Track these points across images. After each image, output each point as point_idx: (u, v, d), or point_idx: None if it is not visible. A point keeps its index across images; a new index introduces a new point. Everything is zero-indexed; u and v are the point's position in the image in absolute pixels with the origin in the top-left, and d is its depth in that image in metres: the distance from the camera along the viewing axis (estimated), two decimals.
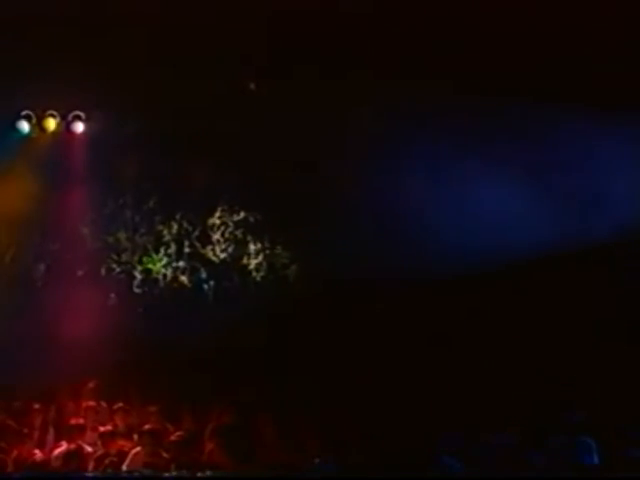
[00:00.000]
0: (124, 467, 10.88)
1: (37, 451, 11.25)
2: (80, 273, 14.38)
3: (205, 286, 14.67)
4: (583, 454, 8.88)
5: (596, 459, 8.93)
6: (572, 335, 13.09)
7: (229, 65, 13.05)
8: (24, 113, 14.05)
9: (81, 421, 11.83)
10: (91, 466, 10.71)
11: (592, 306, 13.27)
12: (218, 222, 14.66)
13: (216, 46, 12.75)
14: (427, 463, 8.99)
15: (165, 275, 14.58)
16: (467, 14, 12.37)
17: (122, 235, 14.62)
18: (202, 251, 14.69)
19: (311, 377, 12.65)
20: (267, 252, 14.64)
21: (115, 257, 14.56)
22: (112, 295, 14.40)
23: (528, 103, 13.13)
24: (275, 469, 10.26)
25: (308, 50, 12.80)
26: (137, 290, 14.49)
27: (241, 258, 14.67)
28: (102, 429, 11.64)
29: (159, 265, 14.49)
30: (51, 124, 14.13)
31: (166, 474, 9.88)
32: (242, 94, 13.70)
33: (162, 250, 14.66)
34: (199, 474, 9.64)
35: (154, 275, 14.57)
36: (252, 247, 14.67)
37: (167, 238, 14.74)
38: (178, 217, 14.67)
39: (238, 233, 14.65)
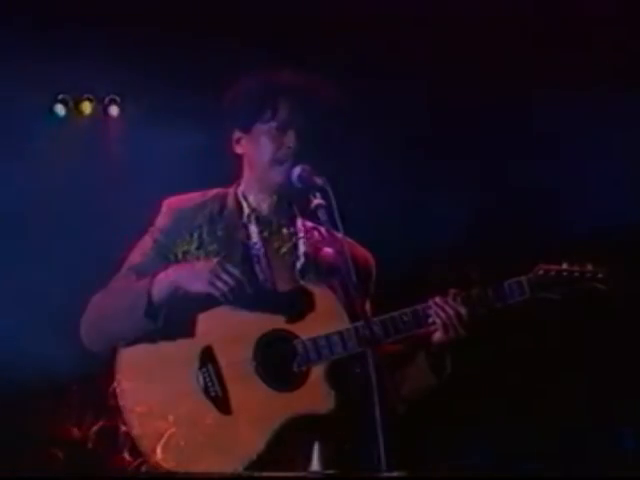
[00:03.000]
0: (159, 448, 11.04)
1: (75, 429, 11.43)
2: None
3: None
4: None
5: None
6: None
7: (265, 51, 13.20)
8: (60, 97, 14.20)
9: (119, 401, 11.97)
10: (126, 446, 10.92)
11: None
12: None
13: (253, 32, 12.90)
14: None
15: (198, 258, 14.64)
16: None
17: None
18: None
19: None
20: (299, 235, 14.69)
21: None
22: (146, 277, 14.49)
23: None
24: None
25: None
26: None
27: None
28: (139, 409, 11.77)
29: (192, 247, 14.58)
30: (87, 108, 14.28)
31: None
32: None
33: (195, 233, 14.73)
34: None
35: (187, 257, 14.64)
36: (285, 230, 14.71)
37: (200, 221, 14.80)
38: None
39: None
